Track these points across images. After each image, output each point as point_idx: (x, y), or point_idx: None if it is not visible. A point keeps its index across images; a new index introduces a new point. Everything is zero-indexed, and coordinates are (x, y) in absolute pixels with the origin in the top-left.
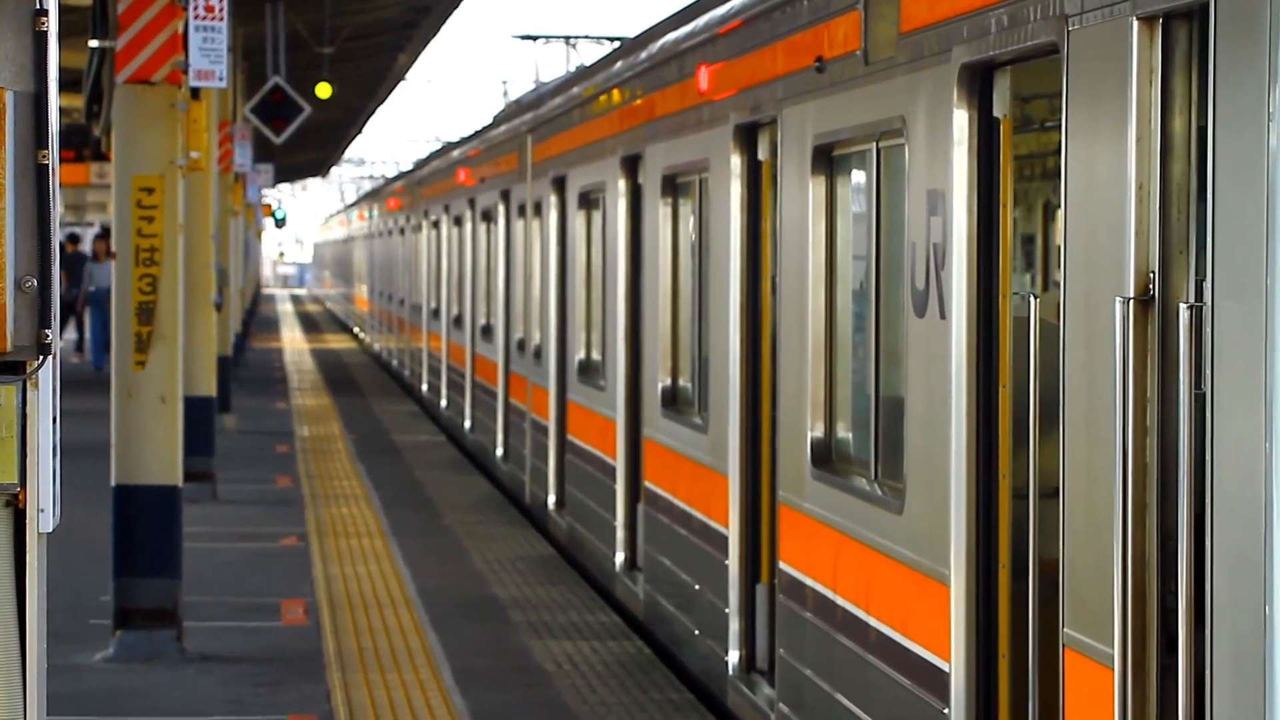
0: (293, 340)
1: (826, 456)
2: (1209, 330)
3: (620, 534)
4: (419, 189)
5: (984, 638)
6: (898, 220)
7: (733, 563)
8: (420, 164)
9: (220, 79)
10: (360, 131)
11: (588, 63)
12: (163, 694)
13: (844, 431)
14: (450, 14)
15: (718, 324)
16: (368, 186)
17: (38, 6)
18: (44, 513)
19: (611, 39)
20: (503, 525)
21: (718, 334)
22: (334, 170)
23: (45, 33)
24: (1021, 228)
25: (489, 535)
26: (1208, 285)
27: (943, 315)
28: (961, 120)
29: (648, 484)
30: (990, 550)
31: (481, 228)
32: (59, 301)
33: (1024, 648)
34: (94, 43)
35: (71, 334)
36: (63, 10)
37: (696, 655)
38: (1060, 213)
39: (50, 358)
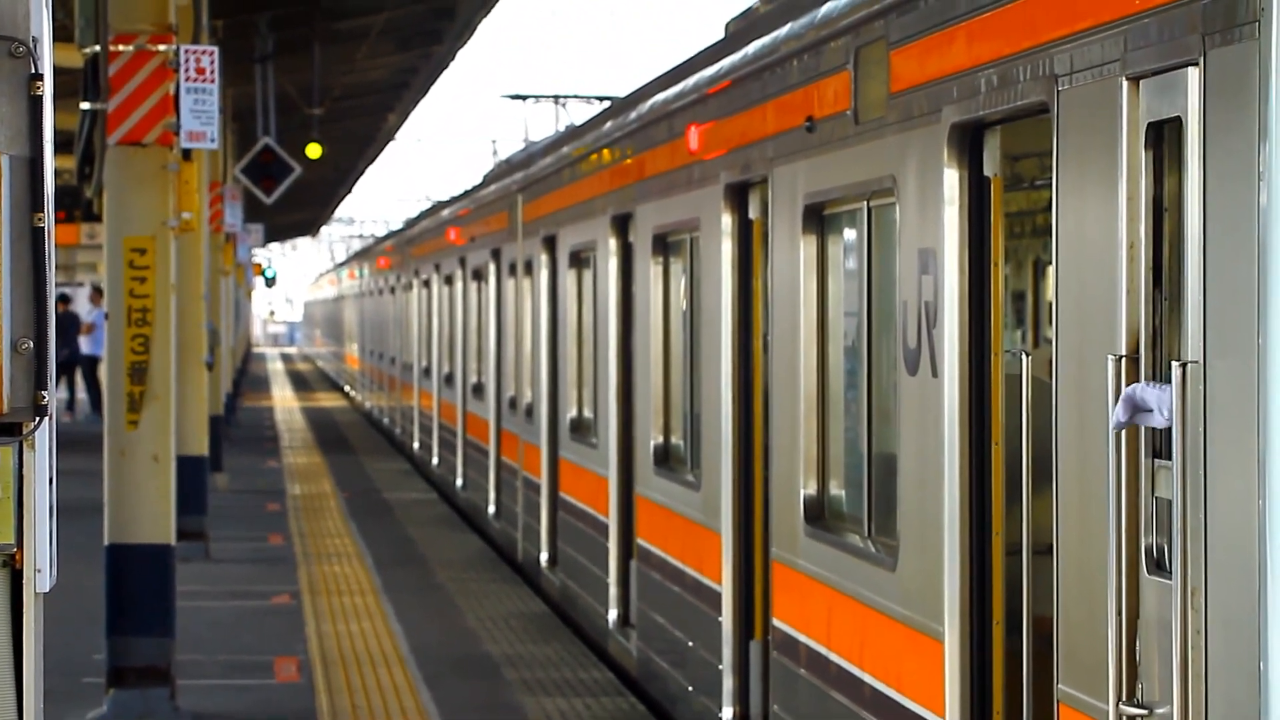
0: (283, 399)
1: (819, 514)
2: (1201, 388)
3: (613, 591)
4: (409, 248)
5: (978, 694)
6: (889, 278)
7: (726, 619)
8: (411, 223)
9: (212, 140)
10: (350, 191)
11: (577, 122)
12: None
13: (837, 489)
14: (439, 75)
15: (710, 382)
16: (358, 245)
17: (33, 71)
18: (41, 572)
19: (601, 99)
20: (495, 582)
21: (710, 392)
22: (324, 229)
23: (40, 97)
24: (1012, 285)
25: (481, 592)
26: (1200, 343)
27: (935, 373)
28: (952, 179)
29: (640, 541)
30: (984, 606)
31: (472, 286)
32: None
33: (1018, 704)
34: (85, 105)
35: (62, 393)
36: (55, 72)
37: (690, 712)
38: (1051, 270)
39: (46, 419)
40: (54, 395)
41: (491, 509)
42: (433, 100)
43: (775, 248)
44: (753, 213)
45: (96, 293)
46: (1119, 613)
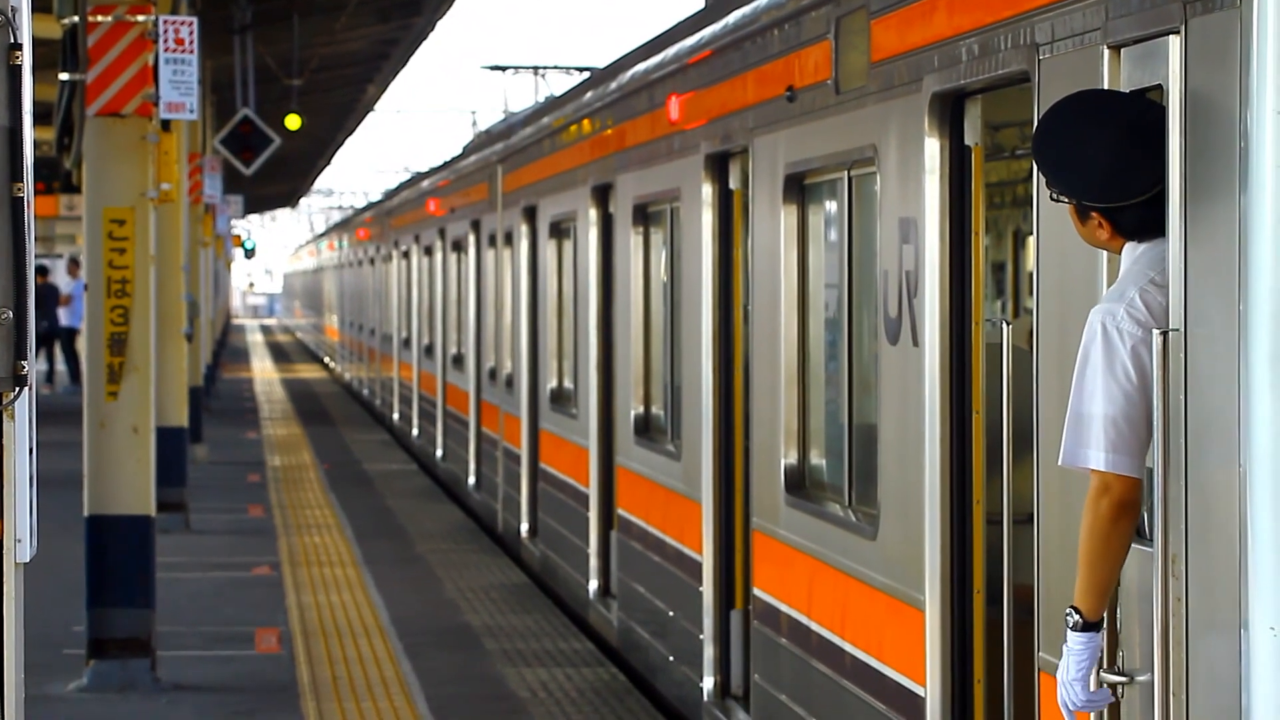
0: (263, 370)
1: (800, 483)
2: (1182, 356)
3: (594, 561)
4: (389, 219)
5: (959, 662)
6: (870, 248)
7: (707, 589)
8: (390, 194)
9: (191, 111)
10: (329, 162)
11: (557, 93)
12: None
13: (817, 458)
14: (419, 45)
15: (690, 352)
16: (337, 217)
17: (12, 41)
18: (21, 543)
19: (580, 69)
20: (475, 553)
21: (690, 362)
22: (303, 201)
23: (19, 67)
24: (993, 255)
25: (462, 563)
26: (1180, 311)
27: (915, 342)
28: (933, 149)
29: (621, 511)
30: (965, 575)
31: (452, 257)
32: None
33: (999, 672)
34: (64, 75)
35: (41, 365)
36: (33, 43)
37: (671, 682)
38: (1032, 240)
39: (26, 389)
40: (34, 366)
41: (471, 480)
42: (412, 71)
43: (756, 218)
44: (733, 183)
45: (74, 264)
46: None
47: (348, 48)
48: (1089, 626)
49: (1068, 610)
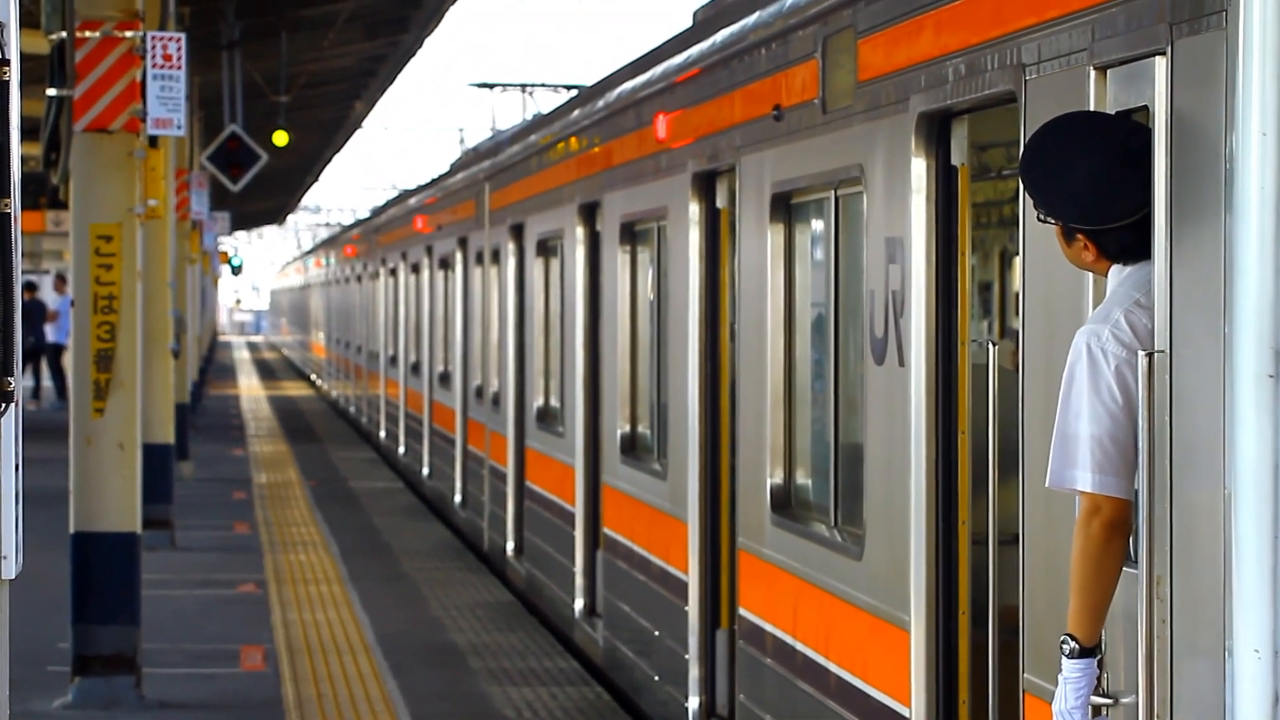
0: (250, 387)
1: (786, 503)
2: (1167, 377)
3: (579, 580)
4: (376, 236)
5: (944, 683)
6: (856, 268)
7: (692, 609)
8: (378, 211)
9: (178, 127)
10: (317, 179)
11: (544, 111)
12: None
13: (803, 478)
14: (406, 62)
15: (677, 371)
16: (324, 234)
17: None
18: (6, 559)
19: (568, 87)
20: (461, 572)
21: (677, 381)
22: (290, 218)
23: (7, 83)
24: (979, 275)
25: (447, 582)
26: (1166, 332)
27: (902, 362)
28: (919, 168)
29: (607, 530)
30: (950, 596)
31: (439, 275)
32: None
33: (984, 693)
34: (52, 91)
35: (28, 381)
36: (21, 58)
37: (656, 701)
38: (1018, 260)
39: (13, 405)
40: (20, 382)
41: (458, 498)
42: (400, 88)
43: (742, 237)
44: (720, 201)
45: (61, 280)
46: None
47: (335, 64)
48: (1085, 653)
49: (1062, 638)
